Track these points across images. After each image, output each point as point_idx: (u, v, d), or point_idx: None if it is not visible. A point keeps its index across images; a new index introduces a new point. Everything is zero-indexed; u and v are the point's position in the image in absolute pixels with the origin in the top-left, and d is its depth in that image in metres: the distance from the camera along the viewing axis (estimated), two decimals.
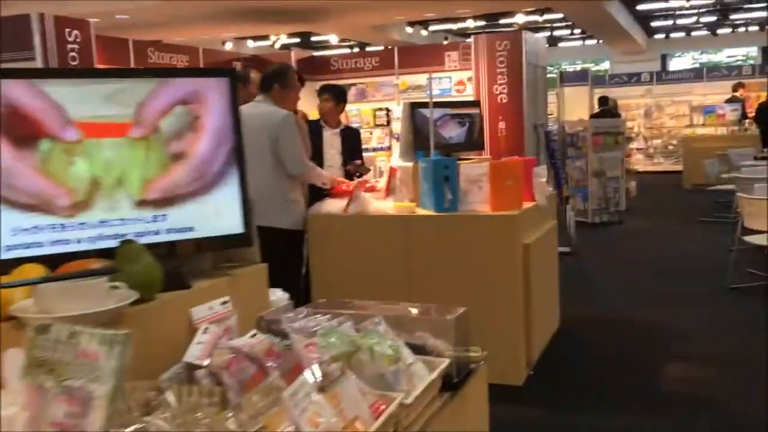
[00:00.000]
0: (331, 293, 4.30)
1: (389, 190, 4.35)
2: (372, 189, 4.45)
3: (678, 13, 17.52)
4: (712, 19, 18.45)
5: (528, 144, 7.45)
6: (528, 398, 3.89)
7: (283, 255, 4.23)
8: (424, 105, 4.47)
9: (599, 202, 9.54)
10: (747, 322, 5.05)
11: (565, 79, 15.16)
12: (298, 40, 15.68)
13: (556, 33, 19.78)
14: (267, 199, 4.16)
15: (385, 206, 4.24)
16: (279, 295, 1.85)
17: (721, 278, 5.95)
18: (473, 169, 4.14)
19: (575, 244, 7.75)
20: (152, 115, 1.80)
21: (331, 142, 5.54)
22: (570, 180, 9.97)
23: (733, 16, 18.39)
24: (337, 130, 5.58)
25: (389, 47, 9.42)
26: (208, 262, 1.90)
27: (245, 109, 4.60)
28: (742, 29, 20.91)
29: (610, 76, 17.99)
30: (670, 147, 16.38)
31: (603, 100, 12.98)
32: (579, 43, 22.04)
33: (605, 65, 23.69)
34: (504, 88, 7.34)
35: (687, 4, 15.26)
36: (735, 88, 13.84)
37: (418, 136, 4.40)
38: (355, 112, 8.39)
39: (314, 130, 5.45)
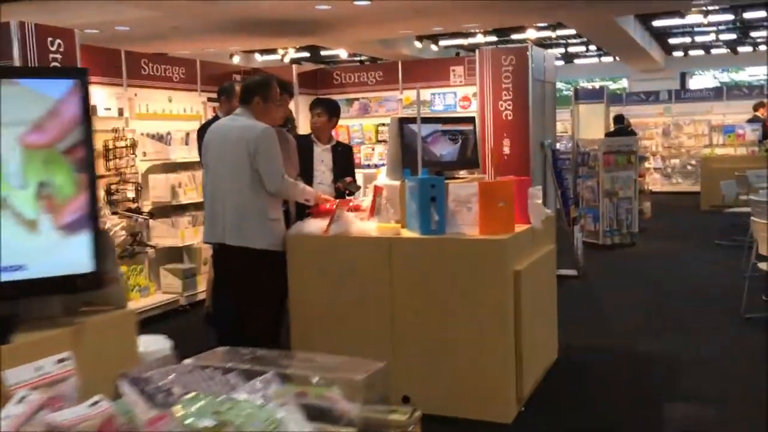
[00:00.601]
0: (310, 319, 4.07)
1: (374, 210, 4.09)
2: (356, 209, 4.20)
3: (696, 30, 17.15)
4: (732, 36, 18.05)
5: (534, 163, 7.16)
6: None
7: (262, 277, 4.01)
8: (414, 120, 4.23)
9: (611, 223, 9.20)
10: (760, 356, 4.70)
11: (581, 96, 14.83)
12: (307, 54, 15.54)
13: (572, 50, 19.46)
14: (245, 217, 3.94)
15: (369, 227, 3.99)
16: (161, 345, 1.57)
17: (736, 306, 5.60)
18: (462, 189, 3.88)
19: (583, 267, 7.43)
20: None
21: (322, 158, 5.31)
22: (581, 200, 9.67)
23: (753, 34, 17.97)
24: (329, 146, 5.35)
25: (393, 61, 9.19)
26: (56, 307, 1.59)
27: (223, 122, 4.42)
28: (763, 47, 20.46)
29: (627, 94, 17.64)
30: (689, 167, 15.97)
31: (618, 119, 12.66)
32: (595, 60, 21.69)
33: (623, 83, 23.32)
34: (509, 105, 7.07)
35: (705, 21, 14.91)
36: (756, 108, 13.43)
37: (407, 153, 4.15)
38: (357, 128, 8.17)
39: (304, 145, 5.23)
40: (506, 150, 7.13)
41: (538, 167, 7.38)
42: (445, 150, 4.35)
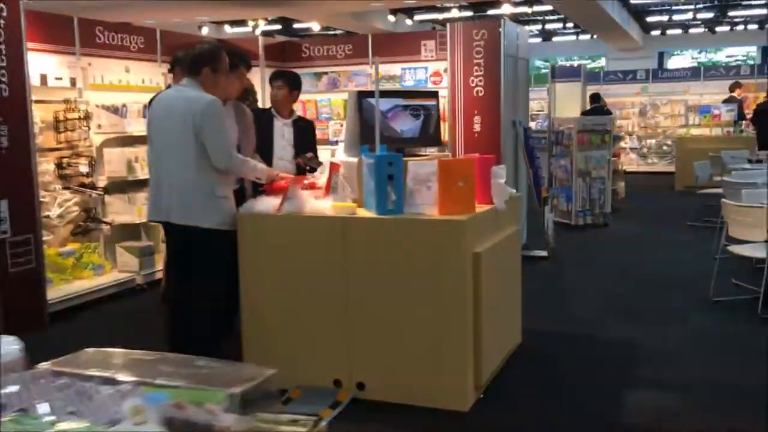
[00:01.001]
0: (261, 301, 3.88)
1: (329, 188, 3.90)
2: (312, 186, 4.00)
3: (674, 8, 17.01)
4: (710, 15, 17.94)
5: (505, 141, 6.99)
6: (472, 426, 3.46)
7: (208, 258, 3.81)
8: (374, 94, 4.02)
9: (583, 203, 9.09)
10: (726, 343, 4.61)
11: (558, 74, 14.63)
12: (279, 27, 15.16)
13: (549, 27, 19.18)
14: (190, 194, 3.73)
15: (324, 206, 3.79)
16: (8, 348, 1.36)
17: (705, 290, 5.51)
18: (421, 167, 3.70)
19: (553, 247, 7.31)
20: None
21: (283, 133, 5.10)
22: (555, 179, 9.54)
23: (731, 13, 17.87)
24: (290, 121, 5.14)
25: (363, 35, 8.91)
26: None
27: (169, 93, 4.16)
28: (741, 27, 20.38)
29: (605, 73, 17.50)
30: (665, 147, 15.92)
31: (595, 97, 12.52)
32: (573, 38, 21.45)
33: (602, 62, 23.18)
34: (480, 81, 6.87)
35: None
36: (732, 88, 13.38)
37: (366, 129, 3.95)
38: (325, 102, 7.92)
39: (264, 119, 5.02)
40: (477, 127, 6.95)
41: (510, 146, 7.21)
42: (407, 126, 4.15)
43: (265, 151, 4.95)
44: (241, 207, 3.88)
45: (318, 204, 3.81)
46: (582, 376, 4.13)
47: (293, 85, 5.13)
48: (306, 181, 4.01)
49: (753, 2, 16.60)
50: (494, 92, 6.85)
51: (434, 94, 4.43)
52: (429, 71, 7.58)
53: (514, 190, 4.41)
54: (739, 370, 4.10)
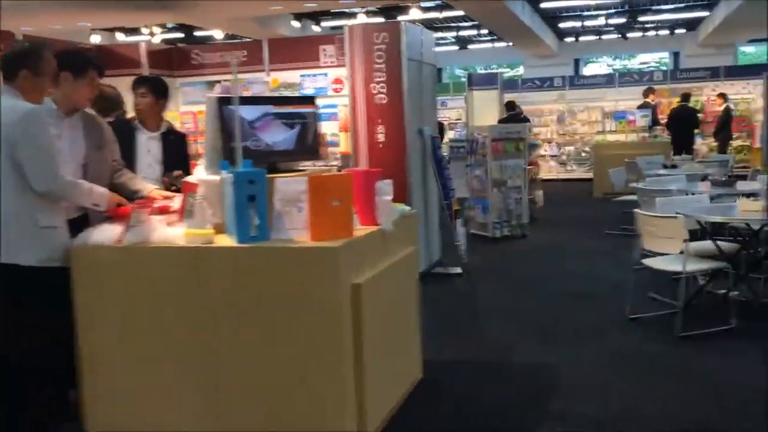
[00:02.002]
0: (103, 352, 3.23)
1: (183, 212, 3.30)
2: (164, 210, 3.39)
3: (586, 14, 17.09)
4: (622, 21, 18.15)
5: (411, 151, 6.52)
6: None
7: (31, 306, 3.10)
8: (239, 101, 3.45)
9: (500, 214, 8.73)
10: (644, 367, 4.22)
11: (474, 82, 14.42)
12: (181, 35, 14.35)
13: (465, 33, 18.94)
14: (7, 225, 3.05)
15: (176, 234, 3.19)
16: None
17: (623, 305, 5.15)
18: (290, 184, 3.14)
19: (467, 263, 6.88)
20: None
21: (148, 148, 4.47)
22: (470, 190, 9.17)
23: (642, 18, 18.11)
24: (157, 134, 4.50)
25: (257, 40, 8.33)
26: None
27: None
28: (652, 33, 20.76)
29: (522, 81, 17.42)
30: (583, 154, 15.90)
31: (510, 105, 12.27)
32: (489, 45, 21.36)
33: (521, 70, 23.26)
34: (383, 87, 6.38)
35: (593, 3, 14.76)
36: (646, 94, 13.40)
37: (229, 141, 3.36)
38: None
39: (125, 132, 4.37)
40: (380, 138, 6.45)
41: (417, 157, 6.75)
42: (279, 137, 3.59)
43: (128, 168, 4.31)
44: (75, 238, 3.23)
45: (169, 232, 3.20)
46: (490, 411, 3.65)
47: (159, 92, 4.51)
48: (157, 204, 3.38)
49: (663, 7, 16.84)
50: (397, 99, 6.37)
51: (311, 100, 3.89)
52: (330, 78, 7.09)
53: (407, 207, 3.90)
54: (657, 399, 3.70)
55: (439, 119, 11.78)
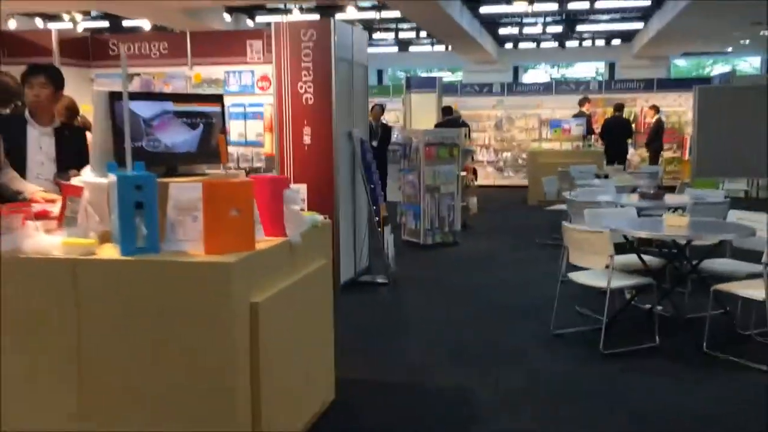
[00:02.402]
0: None
1: (63, 219, 2.96)
2: (43, 216, 3.03)
3: (524, 21, 17.18)
4: (560, 29, 18.33)
5: (340, 155, 6.27)
6: None
7: None
8: (132, 96, 3.13)
9: (432, 221, 8.55)
10: (566, 388, 4.07)
11: (414, 85, 14.27)
12: (106, 24, 13.70)
13: (404, 35, 18.74)
14: None
15: (55, 243, 2.85)
16: None
17: (548, 319, 5.01)
18: (184, 191, 2.84)
19: (395, 272, 6.66)
20: None
21: (40, 144, 4.08)
22: (403, 196, 8.97)
23: (579, 28, 18.34)
24: (50, 128, 4.12)
25: (181, 32, 7.92)
26: None
27: None
28: (589, 43, 21.07)
29: (462, 85, 17.38)
30: (520, 161, 15.94)
31: (447, 110, 12.16)
32: (429, 48, 21.25)
33: (462, 75, 23.30)
34: (310, 87, 6.10)
35: (530, 10, 14.82)
36: (581, 103, 13.52)
37: (121, 141, 3.03)
38: None
39: (14, 126, 3.99)
40: (307, 140, 6.17)
41: (346, 160, 6.50)
42: (180, 138, 3.28)
43: (18, 168, 3.92)
44: None
45: (45, 241, 2.85)
46: None
47: (59, 82, 4.14)
48: (35, 209, 3.03)
49: (599, 17, 17.05)
50: (326, 100, 6.10)
51: (218, 98, 3.59)
52: (256, 75, 6.75)
53: (320, 217, 3.64)
54: (574, 422, 3.55)
55: (383, 122, 11.57)
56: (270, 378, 2.86)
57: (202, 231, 2.78)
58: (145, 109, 3.16)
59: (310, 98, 6.12)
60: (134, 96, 3.16)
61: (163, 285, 2.69)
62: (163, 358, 2.70)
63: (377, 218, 6.62)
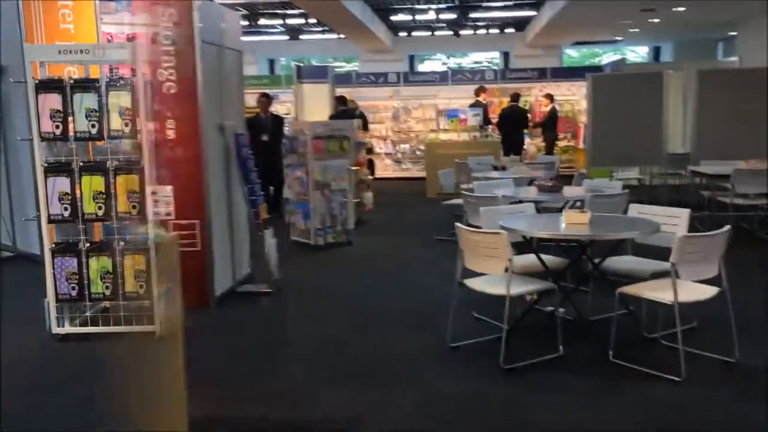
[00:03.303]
0: None
1: None
2: None
3: (416, 6, 16.77)
4: (453, 16, 18.06)
5: (211, 150, 5.55)
6: None
7: None
8: None
9: (323, 220, 7.94)
10: (464, 411, 3.57)
11: (305, 75, 13.59)
12: None
13: (292, 22, 17.87)
14: None
15: None
16: None
17: (444, 328, 4.51)
18: None
19: (278, 279, 6.01)
20: None
21: None
22: (291, 193, 8.32)
23: (473, 15, 18.13)
24: None
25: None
26: None
27: None
28: (483, 31, 21.00)
29: (357, 75, 16.83)
30: (418, 152, 15.57)
31: (340, 100, 11.59)
32: (320, 36, 20.49)
33: (357, 65, 22.76)
34: (172, 74, 5.35)
35: None
36: (477, 93, 13.24)
37: None
38: None
39: None
40: (170, 134, 5.41)
41: (218, 156, 5.79)
42: None
43: None
44: None
45: None
46: None
47: None
48: None
49: (492, 4, 16.87)
50: (190, 89, 5.37)
51: None
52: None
53: (165, 232, 2.95)
54: None
55: (274, 113, 10.80)
56: None
57: None
58: None
59: (173, 87, 5.37)
60: None
61: None
62: None
63: (256, 221, 5.94)
